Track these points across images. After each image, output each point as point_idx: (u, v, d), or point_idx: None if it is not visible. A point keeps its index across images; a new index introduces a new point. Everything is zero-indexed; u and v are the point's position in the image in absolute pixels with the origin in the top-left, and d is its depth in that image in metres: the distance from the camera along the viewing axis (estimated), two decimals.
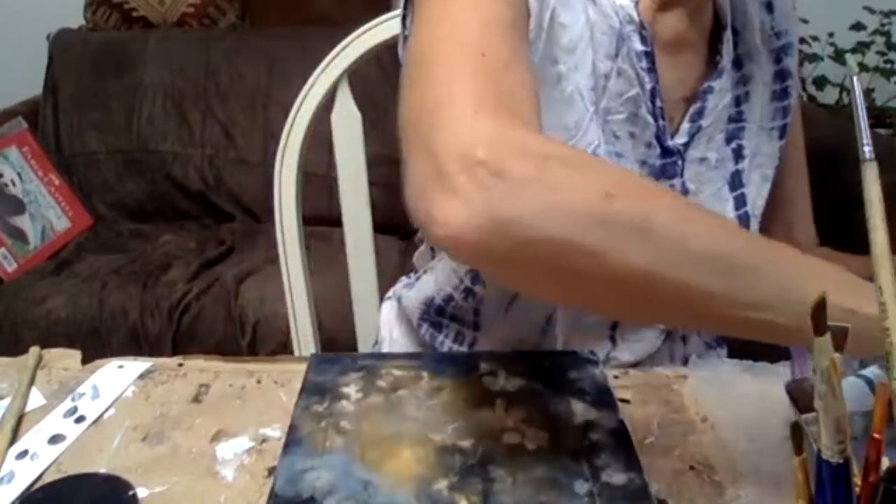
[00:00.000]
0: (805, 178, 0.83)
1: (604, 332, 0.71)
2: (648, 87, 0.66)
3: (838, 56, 2.10)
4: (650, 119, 0.66)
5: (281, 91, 1.96)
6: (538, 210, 0.42)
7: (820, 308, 0.34)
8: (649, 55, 0.65)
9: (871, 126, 0.40)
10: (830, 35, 2.13)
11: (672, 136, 0.69)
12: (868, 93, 2.11)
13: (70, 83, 2.07)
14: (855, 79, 0.42)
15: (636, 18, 0.64)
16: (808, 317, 0.34)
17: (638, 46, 0.65)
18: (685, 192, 0.70)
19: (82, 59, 2.08)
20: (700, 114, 0.69)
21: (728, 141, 0.72)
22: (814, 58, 2.14)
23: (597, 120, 0.64)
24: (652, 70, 0.65)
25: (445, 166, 0.43)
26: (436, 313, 0.76)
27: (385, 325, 0.84)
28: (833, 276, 0.47)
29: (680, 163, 0.69)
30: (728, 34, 0.69)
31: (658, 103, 0.66)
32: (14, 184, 1.86)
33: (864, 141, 0.39)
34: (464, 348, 0.75)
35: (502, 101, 0.47)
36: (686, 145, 0.69)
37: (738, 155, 0.72)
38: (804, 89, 2.17)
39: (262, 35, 2.09)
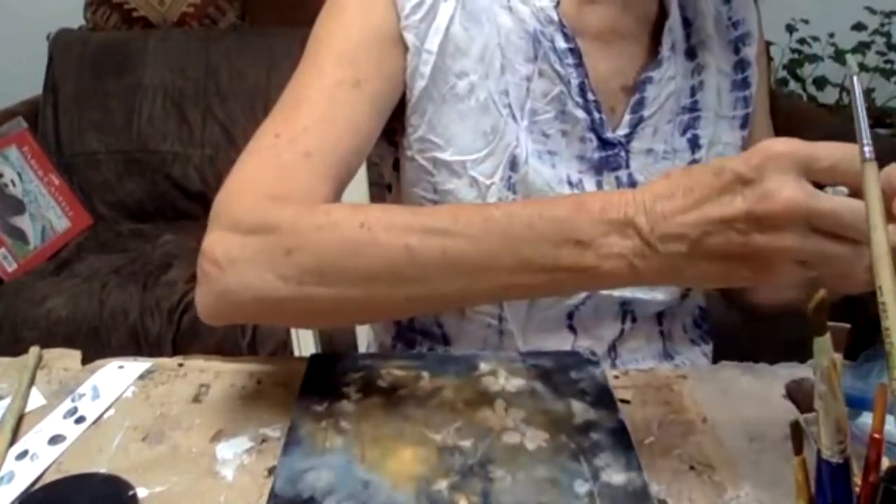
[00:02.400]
0: None
1: (561, 323, 0.71)
2: (575, 82, 0.66)
3: (838, 56, 2.10)
4: (581, 114, 0.67)
5: (281, 91, 1.96)
6: (239, 282, 0.53)
7: (820, 308, 0.34)
8: (574, 51, 0.66)
9: (871, 126, 0.40)
10: (831, 35, 2.13)
11: (614, 129, 0.69)
12: (868, 93, 2.11)
13: (70, 83, 2.07)
14: (855, 79, 0.42)
15: (555, 18, 0.66)
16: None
17: (561, 44, 0.66)
18: (632, 183, 0.70)
19: (82, 59, 2.07)
20: (641, 104, 0.69)
21: (683, 131, 0.72)
22: (814, 58, 2.14)
23: (514, 122, 0.66)
24: (580, 65, 0.66)
25: (198, 260, 0.56)
26: (407, 331, 0.77)
27: (378, 331, 0.84)
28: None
29: (623, 154, 0.69)
30: (671, 24, 0.69)
31: (590, 96, 0.67)
32: (14, 184, 1.86)
33: (864, 141, 0.39)
34: None
35: (268, 179, 0.58)
36: (628, 137, 0.69)
37: (693, 145, 0.72)
38: (804, 89, 2.17)
39: (262, 35, 2.09)
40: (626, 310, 0.72)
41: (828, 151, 0.42)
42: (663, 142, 0.70)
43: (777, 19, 2.05)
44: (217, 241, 0.55)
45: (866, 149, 0.39)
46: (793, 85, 2.19)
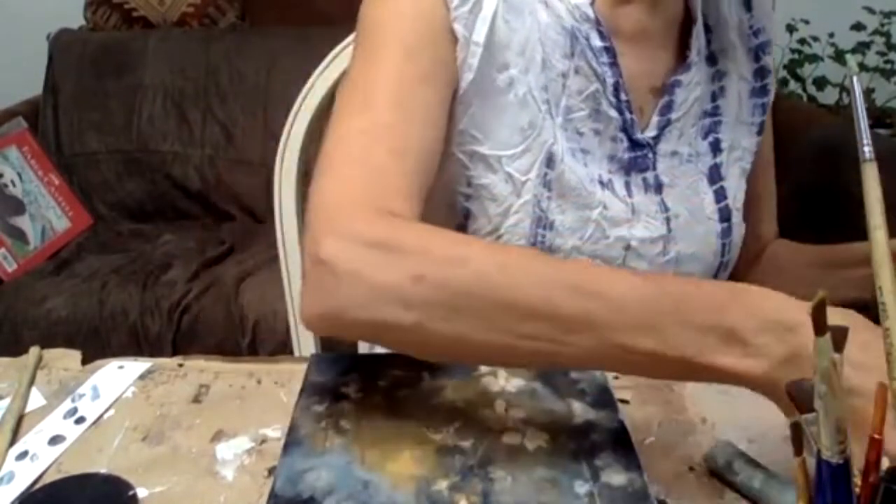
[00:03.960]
0: (772, 174, 0.84)
1: None
2: (611, 81, 0.66)
3: (838, 56, 2.10)
4: (613, 113, 0.67)
5: (281, 91, 1.96)
6: (358, 300, 0.50)
7: (820, 308, 0.34)
8: (609, 50, 0.66)
9: (871, 126, 0.40)
10: (830, 35, 2.13)
11: (642, 130, 0.69)
12: (868, 93, 2.11)
13: (70, 83, 2.07)
14: (855, 79, 0.42)
15: (591, 16, 0.65)
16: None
17: (597, 43, 0.66)
18: (658, 185, 0.70)
19: (82, 59, 2.07)
20: (669, 107, 0.70)
21: (705, 135, 0.72)
22: (814, 58, 2.14)
23: (551, 119, 0.66)
24: (614, 64, 0.66)
25: (305, 266, 0.54)
26: None
27: None
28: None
29: (651, 156, 0.70)
30: (698, 29, 0.70)
31: (623, 97, 0.67)
32: (14, 184, 1.86)
33: (864, 141, 0.39)
34: None
35: (364, 181, 0.56)
36: (656, 139, 0.70)
37: (715, 149, 0.73)
38: (804, 89, 2.17)
39: (262, 35, 2.09)
40: None
41: None
42: (688, 145, 0.71)
43: (777, 19, 2.05)
44: (338, 252, 0.51)
45: (866, 149, 0.39)
46: (793, 85, 2.19)
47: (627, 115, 0.68)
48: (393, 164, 0.58)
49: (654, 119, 0.70)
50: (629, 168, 0.69)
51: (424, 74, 0.61)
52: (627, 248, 0.69)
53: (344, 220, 0.53)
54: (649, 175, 0.70)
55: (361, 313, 0.50)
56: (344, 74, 0.90)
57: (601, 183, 0.68)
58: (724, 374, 0.45)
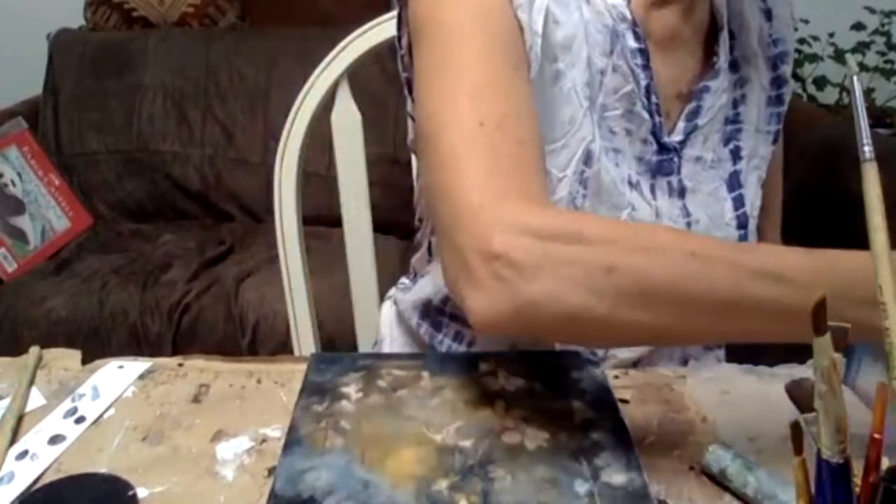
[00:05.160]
0: (780, 187, 0.84)
1: None
2: (644, 83, 0.66)
3: (838, 56, 2.10)
4: (645, 115, 0.67)
5: (281, 91, 1.96)
6: (548, 293, 0.48)
7: (820, 308, 0.34)
8: (644, 52, 0.66)
9: (871, 126, 0.40)
10: (831, 35, 2.13)
11: (669, 134, 0.69)
12: (868, 93, 2.11)
13: (70, 83, 2.07)
14: (855, 79, 0.42)
15: (628, 16, 0.65)
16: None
17: (632, 44, 0.65)
18: (682, 189, 0.70)
19: (82, 59, 2.07)
20: (696, 113, 0.70)
21: (726, 142, 0.72)
22: (814, 58, 2.14)
23: (591, 116, 0.65)
24: (647, 67, 0.66)
25: (469, 262, 0.51)
26: (435, 313, 0.76)
27: (385, 324, 0.84)
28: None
29: (676, 160, 0.70)
30: (724, 36, 0.70)
31: (654, 99, 0.67)
32: (14, 184, 1.86)
33: (864, 141, 0.39)
34: (463, 347, 0.75)
35: (504, 172, 0.54)
36: (682, 143, 0.70)
37: (735, 156, 0.73)
38: (804, 89, 2.17)
39: (262, 35, 2.09)
40: None
41: None
42: (711, 151, 0.71)
43: None
44: (514, 245, 0.49)
45: (866, 149, 0.39)
46: (793, 85, 2.18)
47: (657, 118, 0.68)
48: (523, 153, 0.56)
49: (681, 124, 0.70)
50: (655, 171, 0.69)
51: (515, 62, 0.59)
52: None
53: (507, 212, 0.51)
54: (673, 179, 0.70)
55: (551, 307, 0.49)
56: (342, 75, 0.90)
57: (630, 184, 0.68)
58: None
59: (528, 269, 0.49)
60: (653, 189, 0.69)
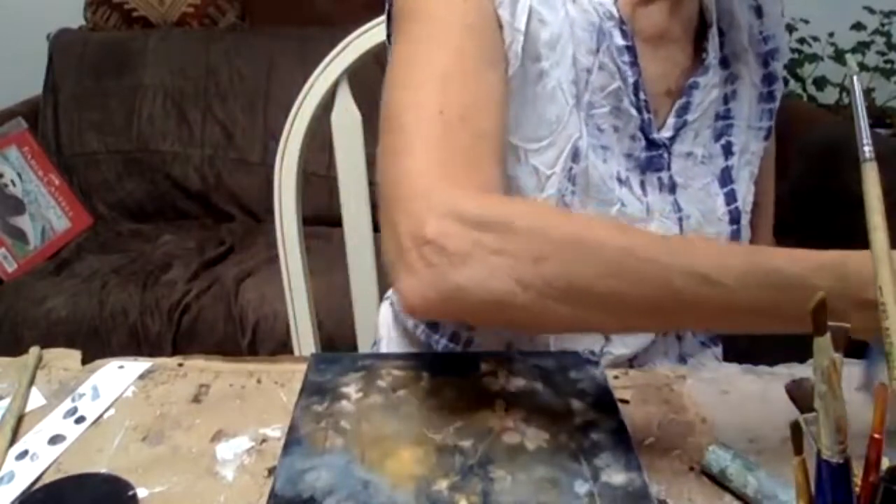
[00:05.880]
0: (772, 183, 0.84)
1: None
2: (631, 80, 0.67)
3: (838, 56, 2.10)
4: (633, 112, 0.67)
5: (281, 91, 1.96)
6: (475, 280, 0.49)
7: (820, 308, 0.34)
8: (631, 49, 0.66)
9: (871, 126, 0.40)
10: (830, 35, 2.13)
11: (658, 130, 0.70)
12: (868, 93, 2.11)
13: (70, 83, 2.07)
14: (855, 79, 0.42)
15: (615, 14, 0.66)
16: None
17: (619, 41, 0.66)
18: (672, 185, 0.71)
19: (82, 59, 2.08)
20: (686, 109, 0.70)
21: (717, 138, 0.73)
22: (814, 58, 2.14)
23: (577, 113, 0.66)
24: (634, 64, 0.66)
25: (403, 245, 0.52)
26: None
27: (383, 325, 0.84)
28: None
29: (666, 156, 0.70)
30: (714, 32, 0.70)
31: (642, 96, 0.67)
32: (14, 184, 1.86)
33: (864, 141, 0.39)
34: (459, 347, 0.75)
35: (454, 162, 0.55)
36: (672, 139, 0.70)
37: (727, 151, 0.73)
38: (804, 89, 2.17)
39: (262, 35, 2.09)
40: None
41: None
42: (702, 146, 0.71)
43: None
44: (445, 232, 0.50)
45: (866, 149, 0.39)
46: (793, 85, 2.19)
47: (645, 115, 0.68)
48: (479, 145, 0.57)
49: (671, 120, 0.70)
50: (645, 167, 0.70)
51: (488, 56, 0.60)
52: None
53: (446, 198, 0.52)
54: (664, 175, 0.70)
55: (477, 293, 0.50)
56: (342, 75, 0.90)
57: (619, 180, 0.68)
58: None
59: (457, 255, 0.50)
60: (643, 185, 0.70)
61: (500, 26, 0.61)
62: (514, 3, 0.62)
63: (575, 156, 0.66)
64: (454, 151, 0.56)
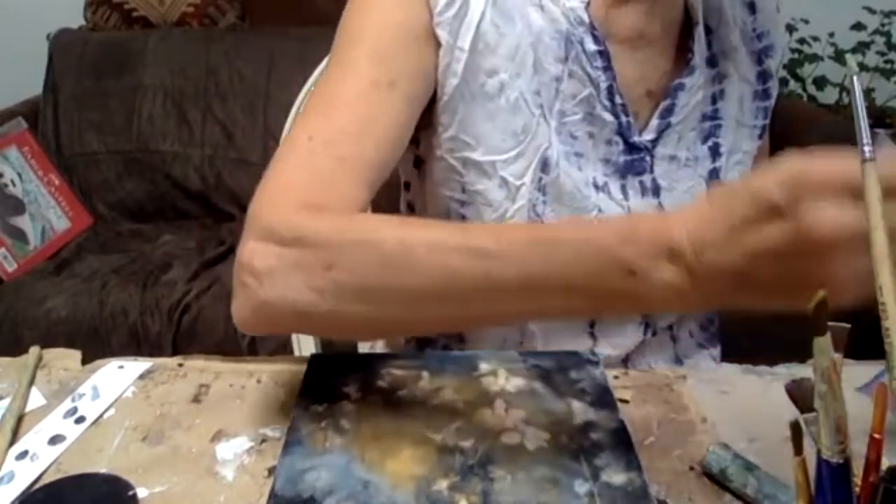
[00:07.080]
0: None
1: (582, 328, 0.71)
2: (604, 85, 0.66)
3: (838, 56, 2.10)
4: (608, 117, 0.67)
5: (281, 91, 1.96)
6: (278, 295, 0.53)
7: (820, 308, 0.34)
8: (604, 54, 0.66)
9: (871, 126, 0.40)
10: (830, 35, 2.13)
11: (640, 132, 0.69)
12: (868, 93, 2.11)
13: (70, 83, 2.07)
14: (855, 79, 0.42)
15: (586, 20, 0.65)
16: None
17: (591, 46, 0.65)
18: (656, 188, 0.70)
19: (82, 59, 2.07)
20: (670, 111, 0.69)
21: (704, 139, 0.72)
22: (814, 58, 2.14)
23: (546, 123, 0.66)
24: (608, 68, 0.66)
25: (235, 269, 0.55)
26: None
27: None
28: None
29: (648, 159, 0.70)
30: (699, 31, 0.69)
31: (618, 100, 0.67)
32: (14, 184, 1.86)
33: (864, 141, 0.39)
34: (455, 345, 0.75)
35: (304, 185, 0.57)
36: (654, 142, 0.69)
37: (714, 153, 0.72)
38: (804, 89, 2.17)
39: (262, 35, 2.09)
40: (649, 321, 0.72)
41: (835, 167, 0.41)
42: (686, 149, 0.71)
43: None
44: (254, 252, 0.54)
45: (866, 149, 0.39)
46: (793, 85, 2.19)
47: (623, 119, 0.67)
48: (337, 167, 0.58)
49: (654, 122, 0.69)
50: (625, 171, 0.69)
51: (391, 80, 0.61)
52: None
53: (263, 219, 0.55)
54: (646, 178, 0.70)
55: (283, 308, 0.53)
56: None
57: (596, 186, 0.68)
58: (644, 304, 0.51)
59: (262, 274, 0.53)
60: (623, 189, 0.69)
61: (439, 45, 0.62)
62: (459, 22, 0.62)
63: (544, 166, 0.66)
64: (307, 175, 0.58)
